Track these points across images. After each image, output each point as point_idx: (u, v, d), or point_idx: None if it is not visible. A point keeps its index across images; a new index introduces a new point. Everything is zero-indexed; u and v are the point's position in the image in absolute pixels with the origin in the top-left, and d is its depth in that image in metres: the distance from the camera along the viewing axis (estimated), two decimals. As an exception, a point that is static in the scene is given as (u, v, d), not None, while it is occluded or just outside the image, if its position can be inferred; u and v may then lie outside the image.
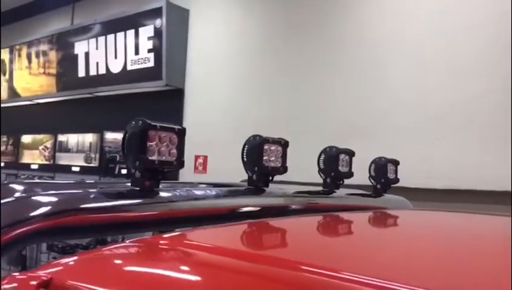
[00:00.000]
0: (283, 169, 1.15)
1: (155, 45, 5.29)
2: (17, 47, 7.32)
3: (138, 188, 0.85)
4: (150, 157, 0.83)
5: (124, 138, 0.84)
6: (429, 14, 3.72)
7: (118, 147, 5.88)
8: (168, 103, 5.49)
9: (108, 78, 5.84)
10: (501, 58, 3.33)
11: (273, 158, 1.13)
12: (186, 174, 5.20)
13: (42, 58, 6.87)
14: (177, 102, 5.41)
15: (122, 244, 0.60)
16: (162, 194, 0.89)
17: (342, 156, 1.39)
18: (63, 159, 6.76)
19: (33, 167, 7.20)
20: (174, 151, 0.88)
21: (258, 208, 1.10)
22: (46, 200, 0.72)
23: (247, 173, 1.13)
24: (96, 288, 0.47)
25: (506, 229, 1.13)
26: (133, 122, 0.84)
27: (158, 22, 5.26)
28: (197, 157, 5.16)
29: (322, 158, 1.39)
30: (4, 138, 7.81)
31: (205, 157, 5.10)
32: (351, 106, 4.09)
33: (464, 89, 3.51)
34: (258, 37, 4.83)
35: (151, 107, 5.64)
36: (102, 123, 6.19)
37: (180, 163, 0.88)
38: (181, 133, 0.90)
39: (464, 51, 3.53)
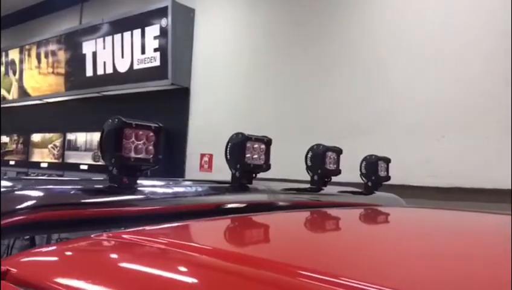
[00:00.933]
0: (266, 166, 1.16)
1: (161, 44, 5.33)
2: (27, 47, 7.41)
3: (116, 185, 0.87)
4: (125, 155, 0.85)
5: (101, 136, 0.86)
6: (431, 13, 3.71)
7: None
8: (174, 102, 5.53)
9: (116, 78, 5.89)
10: (503, 57, 3.31)
11: (256, 156, 1.14)
12: (193, 172, 5.26)
13: (51, 58, 6.95)
14: (183, 101, 5.44)
15: (82, 238, 0.62)
16: (141, 190, 0.91)
17: (329, 154, 1.40)
18: (71, 158, 6.84)
19: (43, 165, 7.29)
20: (151, 148, 0.90)
21: (240, 205, 1.12)
22: (22, 196, 0.74)
23: (230, 170, 1.15)
24: (47, 280, 0.49)
25: (495, 227, 1.13)
26: (110, 121, 0.87)
27: (164, 21, 5.30)
28: (202, 155, 5.19)
29: (309, 156, 1.40)
30: (15, 137, 7.92)
31: (210, 156, 5.12)
32: (354, 105, 4.09)
33: (465, 87, 3.49)
34: (263, 35, 4.84)
35: (157, 106, 5.69)
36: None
37: (157, 160, 0.90)
38: (158, 131, 0.92)
39: (466, 50, 3.51)
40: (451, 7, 3.62)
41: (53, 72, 6.93)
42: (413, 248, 0.79)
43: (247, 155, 1.12)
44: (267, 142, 1.17)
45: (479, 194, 3.34)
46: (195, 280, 0.54)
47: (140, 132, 0.88)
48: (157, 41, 5.38)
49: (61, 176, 6.86)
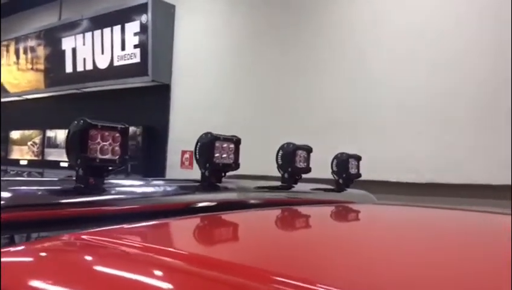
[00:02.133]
0: (235, 165, 1.18)
1: (141, 40, 5.30)
2: (5, 43, 7.31)
3: (82, 185, 0.89)
4: (90, 156, 0.87)
5: (67, 137, 0.88)
6: (415, 7, 3.74)
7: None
8: (155, 99, 5.52)
9: (96, 74, 5.85)
10: (485, 51, 3.36)
11: (225, 155, 1.16)
12: (174, 169, 5.26)
13: (30, 54, 6.87)
14: (163, 98, 5.43)
15: (39, 240, 0.63)
16: (108, 190, 0.92)
17: (299, 152, 1.42)
18: (51, 155, 6.77)
19: (22, 162, 7.21)
20: (118, 149, 0.92)
21: (209, 204, 1.14)
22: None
23: (200, 169, 1.17)
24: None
25: (459, 222, 1.16)
26: (75, 122, 0.88)
27: (144, 17, 5.28)
28: (183, 152, 5.19)
29: (279, 154, 1.43)
30: (-7, 134, 7.81)
31: (191, 153, 5.12)
32: (334, 102, 4.12)
33: (445, 83, 3.55)
34: (245, 33, 4.85)
35: (138, 102, 5.67)
36: (90, 118, 6.19)
37: (123, 161, 0.92)
38: (124, 132, 0.93)
39: (446, 46, 3.56)
40: (436, 3, 3.67)
41: (32, 68, 6.85)
42: (379, 244, 0.80)
43: (216, 154, 1.14)
44: (236, 141, 1.19)
45: (455, 189, 3.40)
46: (150, 281, 0.55)
47: (106, 133, 0.90)
48: (137, 37, 5.35)
49: (41, 173, 6.80)
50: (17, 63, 7.09)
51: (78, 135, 0.86)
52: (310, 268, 0.60)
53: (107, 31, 5.67)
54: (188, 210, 1.04)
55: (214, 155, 1.13)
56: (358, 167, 1.72)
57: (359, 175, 1.71)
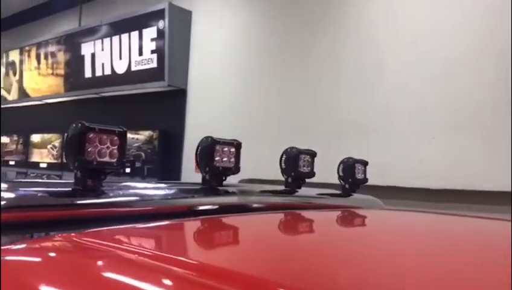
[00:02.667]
0: (235, 169, 1.19)
1: (158, 46, 5.37)
2: (27, 48, 7.47)
3: (80, 187, 0.91)
4: (87, 159, 0.89)
5: (66, 140, 0.90)
6: (426, 12, 3.72)
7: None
8: (171, 103, 5.58)
9: (114, 79, 5.94)
10: (499, 58, 3.32)
11: (225, 159, 1.17)
12: (189, 173, 5.29)
13: (50, 59, 7.00)
14: (179, 102, 5.48)
15: (23, 241, 0.65)
16: (106, 192, 0.94)
17: (302, 157, 1.42)
18: (70, 158, 6.87)
19: (42, 165, 7.34)
20: (116, 152, 0.93)
21: (209, 207, 1.15)
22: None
23: (201, 173, 1.18)
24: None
25: (470, 229, 1.14)
26: (73, 125, 0.90)
27: (161, 23, 5.34)
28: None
29: (283, 159, 1.43)
30: (15, 137, 7.97)
31: (206, 157, 5.15)
32: (349, 106, 4.11)
33: (459, 88, 3.51)
34: (260, 36, 4.87)
35: (154, 107, 5.73)
36: (107, 123, 6.25)
37: (121, 164, 0.93)
38: (122, 135, 0.95)
39: (461, 50, 3.52)
40: (448, 6, 3.64)
41: (52, 73, 6.99)
42: (384, 251, 0.79)
43: (217, 158, 1.15)
44: (237, 145, 1.20)
45: (469, 196, 3.36)
46: (131, 283, 0.56)
47: (104, 136, 0.91)
48: (154, 43, 5.42)
49: (60, 176, 6.91)
50: (38, 68, 7.23)
51: (76, 137, 0.88)
52: (311, 277, 0.59)
53: (125, 36, 5.75)
54: (187, 213, 1.05)
55: (214, 159, 1.14)
56: (365, 172, 1.71)
57: (366, 180, 1.70)
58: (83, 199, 0.91)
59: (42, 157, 7.40)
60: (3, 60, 8.01)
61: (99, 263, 0.62)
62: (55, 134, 7.17)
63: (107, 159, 0.92)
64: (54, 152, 7.18)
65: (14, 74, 7.77)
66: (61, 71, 6.81)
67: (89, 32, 6.29)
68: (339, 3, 4.32)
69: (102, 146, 0.91)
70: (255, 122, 4.77)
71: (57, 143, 7.14)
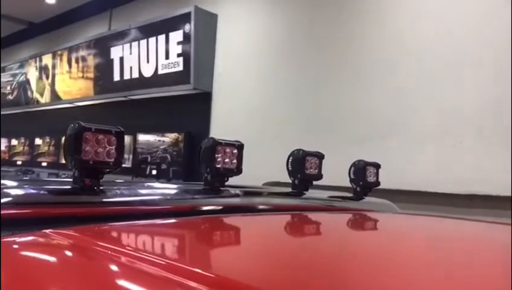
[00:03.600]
0: (237, 170, 1.19)
1: (184, 49, 5.43)
2: (59, 52, 7.66)
3: (78, 186, 0.93)
4: (84, 158, 0.91)
5: (64, 140, 0.92)
6: (451, 13, 3.65)
7: (149, 148, 6.06)
8: (197, 106, 5.62)
9: (141, 82, 6.03)
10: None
11: (227, 160, 1.18)
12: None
13: (81, 63, 7.17)
14: (205, 105, 5.53)
15: (18, 235, 0.66)
16: (103, 191, 0.96)
17: (309, 159, 1.42)
18: (99, 160, 7.01)
19: (72, 167, 7.51)
20: (113, 152, 0.95)
21: (209, 207, 1.15)
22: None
23: (203, 174, 1.19)
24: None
25: (491, 235, 1.10)
26: (71, 125, 0.92)
27: (187, 26, 5.40)
28: (222, 159, 5.24)
29: (289, 161, 1.43)
30: (47, 139, 8.19)
31: (230, 160, 5.17)
32: (373, 109, 4.06)
33: (485, 92, 3.42)
34: (284, 39, 4.87)
35: (180, 110, 5.80)
36: (135, 125, 6.39)
37: (118, 163, 0.95)
38: (119, 135, 0.96)
39: (485, 53, 3.44)
40: (466, 11, 3.57)
41: (83, 77, 7.15)
42: (395, 255, 0.76)
43: (218, 159, 1.16)
44: (239, 146, 1.20)
45: (496, 201, 3.27)
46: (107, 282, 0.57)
47: (101, 136, 0.93)
48: (180, 46, 5.48)
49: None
50: (70, 71, 7.41)
51: (72, 137, 0.90)
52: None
53: (152, 40, 5.84)
54: (186, 213, 1.06)
55: (216, 160, 1.15)
56: (377, 175, 1.68)
57: (378, 183, 1.68)
58: (80, 197, 0.93)
59: (73, 158, 7.57)
60: (37, 64, 8.25)
61: (69, 259, 0.63)
62: (85, 136, 7.33)
63: (104, 158, 0.93)
64: (84, 154, 7.34)
65: (47, 78, 7.99)
66: (91, 74, 6.96)
67: (118, 36, 6.41)
68: (363, 2, 4.28)
69: (99, 146, 0.93)
70: (279, 124, 4.77)
71: (86, 145, 7.30)
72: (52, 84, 7.85)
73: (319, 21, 4.54)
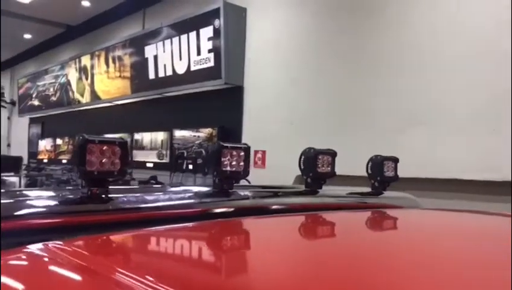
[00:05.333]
0: (244, 173, 1.21)
1: (215, 45, 5.47)
2: (97, 53, 7.88)
3: (85, 195, 0.97)
4: (88, 169, 0.95)
5: (73, 152, 0.97)
6: (488, 4, 3.53)
7: (185, 144, 6.17)
8: (229, 100, 5.67)
9: (175, 79, 6.13)
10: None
11: (234, 163, 1.20)
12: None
13: (118, 63, 7.35)
14: (237, 99, 5.57)
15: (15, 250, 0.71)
16: (110, 200, 1.00)
17: (321, 157, 1.42)
18: (139, 156, 7.20)
19: (114, 164, 7.72)
20: (117, 162, 0.99)
21: (219, 210, 1.18)
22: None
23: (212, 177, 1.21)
24: None
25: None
26: (77, 137, 0.96)
27: (217, 22, 5.44)
28: (256, 152, 5.28)
29: (302, 159, 1.43)
30: (89, 138, 8.44)
31: (263, 152, 5.21)
32: (406, 98, 3.99)
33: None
34: (315, 32, 4.84)
35: (213, 105, 5.86)
36: (171, 121, 6.52)
37: (122, 173, 0.99)
38: (123, 146, 1.00)
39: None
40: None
41: (120, 76, 7.33)
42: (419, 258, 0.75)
43: (225, 162, 1.18)
44: (245, 149, 1.21)
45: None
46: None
47: (105, 147, 0.97)
48: (211, 42, 5.53)
49: (130, 173, 7.25)
50: (107, 71, 7.61)
51: (78, 149, 0.95)
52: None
53: (184, 37, 5.92)
54: (197, 217, 1.08)
55: (222, 163, 1.17)
56: (395, 169, 1.66)
57: (396, 178, 1.66)
58: (87, 206, 0.98)
59: (114, 156, 7.78)
60: (77, 65, 8.51)
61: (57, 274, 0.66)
62: (124, 133, 7.53)
63: (108, 168, 0.97)
64: (124, 151, 7.54)
65: (86, 78, 8.24)
66: (128, 74, 7.13)
67: (151, 35, 6.53)
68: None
69: (103, 156, 0.97)
70: (312, 118, 4.75)
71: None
72: (92, 84, 8.09)
73: (353, 12, 4.48)
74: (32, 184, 7.79)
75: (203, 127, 5.90)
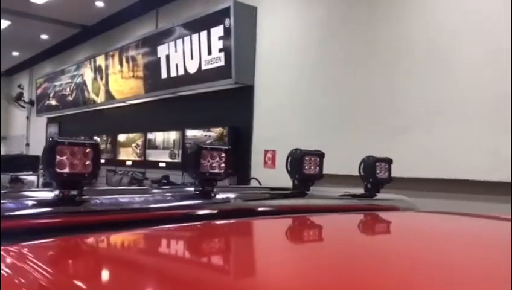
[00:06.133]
0: (225, 174, 1.19)
1: (225, 44, 5.47)
2: (111, 53, 7.94)
3: (57, 196, 0.97)
4: (58, 170, 0.94)
5: (42, 153, 0.96)
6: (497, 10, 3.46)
7: (197, 143, 6.18)
8: (239, 100, 5.66)
9: (186, 79, 6.15)
10: None
11: (214, 164, 1.18)
12: (258, 168, 5.35)
13: (131, 62, 7.40)
14: (247, 98, 5.55)
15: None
16: (85, 201, 0.99)
17: (307, 158, 1.39)
18: (152, 156, 7.25)
19: (128, 163, 7.80)
20: (89, 163, 0.98)
21: (199, 212, 1.16)
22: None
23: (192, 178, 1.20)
24: None
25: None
26: (48, 139, 0.96)
27: (227, 21, 5.43)
28: (266, 152, 5.27)
29: (288, 160, 1.41)
30: (104, 137, 8.54)
31: (273, 152, 5.18)
32: (415, 97, 3.93)
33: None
34: (325, 31, 4.79)
35: (224, 104, 5.86)
36: (183, 121, 6.54)
37: (93, 175, 0.98)
38: (95, 148, 0.99)
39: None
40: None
41: (133, 76, 7.38)
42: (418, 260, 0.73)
43: (205, 164, 1.17)
44: (226, 150, 1.20)
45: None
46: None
47: (75, 149, 0.97)
48: (221, 41, 5.52)
49: (143, 173, 7.30)
50: (121, 71, 7.67)
51: (47, 151, 0.94)
52: None
53: (195, 37, 5.93)
54: (170, 219, 1.07)
55: (202, 165, 1.16)
56: (389, 171, 1.63)
57: (390, 180, 1.62)
58: (59, 208, 0.97)
59: (128, 155, 7.87)
60: (92, 66, 8.60)
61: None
62: (138, 133, 7.59)
63: (79, 170, 0.97)
64: (138, 150, 7.61)
65: (101, 78, 8.32)
66: (141, 73, 7.17)
67: (163, 35, 6.56)
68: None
69: (73, 158, 0.96)
70: (322, 116, 4.71)
71: (140, 142, 7.56)
72: (106, 84, 8.16)
73: (362, 9, 4.43)
74: (49, 183, 7.90)
75: (214, 127, 5.91)
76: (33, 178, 7.32)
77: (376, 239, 1.05)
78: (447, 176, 3.61)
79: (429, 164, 3.73)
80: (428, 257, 0.75)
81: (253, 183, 4.97)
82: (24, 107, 12.18)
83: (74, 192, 0.99)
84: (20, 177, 6.39)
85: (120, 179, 7.90)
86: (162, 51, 6.61)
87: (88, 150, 0.98)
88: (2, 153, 13.65)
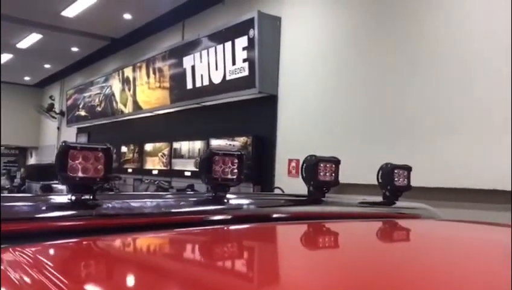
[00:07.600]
0: (237, 180, 1.19)
1: (249, 54, 5.51)
2: (138, 65, 8.09)
3: (71, 200, 0.99)
4: (71, 175, 0.96)
5: (55, 158, 0.98)
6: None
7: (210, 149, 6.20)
8: (263, 110, 5.68)
9: (211, 89, 6.21)
10: None
11: (227, 170, 1.19)
12: (281, 177, 5.34)
13: (158, 74, 7.52)
14: (271, 108, 5.56)
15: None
16: (98, 205, 1.01)
17: (322, 164, 1.38)
18: (177, 165, 7.31)
19: (154, 172, 7.89)
20: (101, 168, 1.00)
21: (212, 217, 1.17)
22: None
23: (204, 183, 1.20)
24: None
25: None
26: (60, 144, 0.98)
27: (251, 32, 5.47)
28: (290, 161, 5.25)
29: (303, 167, 1.40)
30: (131, 147, 8.67)
31: (297, 161, 5.16)
32: (437, 104, 3.87)
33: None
34: (349, 40, 4.78)
35: (248, 114, 5.88)
36: (207, 130, 6.58)
37: (105, 179, 0.99)
38: (107, 152, 1.01)
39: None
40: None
41: (160, 87, 7.49)
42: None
43: (217, 170, 1.17)
44: (239, 156, 1.20)
45: None
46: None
47: (87, 153, 0.98)
48: (245, 52, 5.56)
49: (169, 182, 7.38)
50: (148, 82, 7.80)
51: (59, 156, 0.96)
52: None
53: (219, 47, 5.99)
54: (183, 224, 1.07)
55: (214, 170, 1.16)
56: (408, 178, 1.60)
57: (409, 187, 1.59)
58: (71, 212, 0.99)
59: (154, 164, 7.96)
60: (120, 77, 8.77)
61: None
62: (165, 142, 7.67)
63: (91, 174, 0.98)
64: (164, 160, 7.69)
65: (129, 89, 8.47)
66: (167, 84, 7.27)
67: (189, 46, 6.65)
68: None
69: (86, 163, 0.98)
70: (346, 127, 4.67)
71: (166, 151, 7.64)
72: (134, 95, 8.31)
73: (384, 17, 4.40)
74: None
75: (238, 136, 5.93)
76: (63, 187, 7.52)
77: (397, 247, 1.03)
78: (471, 186, 3.52)
79: (455, 174, 3.66)
80: (452, 266, 0.74)
81: (277, 192, 4.96)
82: (55, 117, 12.49)
83: (87, 196, 1.00)
84: (51, 185, 6.53)
85: (146, 188, 8.00)
86: (187, 62, 6.69)
87: (100, 154, 1.00)
88: (34, 163, 14.01)
